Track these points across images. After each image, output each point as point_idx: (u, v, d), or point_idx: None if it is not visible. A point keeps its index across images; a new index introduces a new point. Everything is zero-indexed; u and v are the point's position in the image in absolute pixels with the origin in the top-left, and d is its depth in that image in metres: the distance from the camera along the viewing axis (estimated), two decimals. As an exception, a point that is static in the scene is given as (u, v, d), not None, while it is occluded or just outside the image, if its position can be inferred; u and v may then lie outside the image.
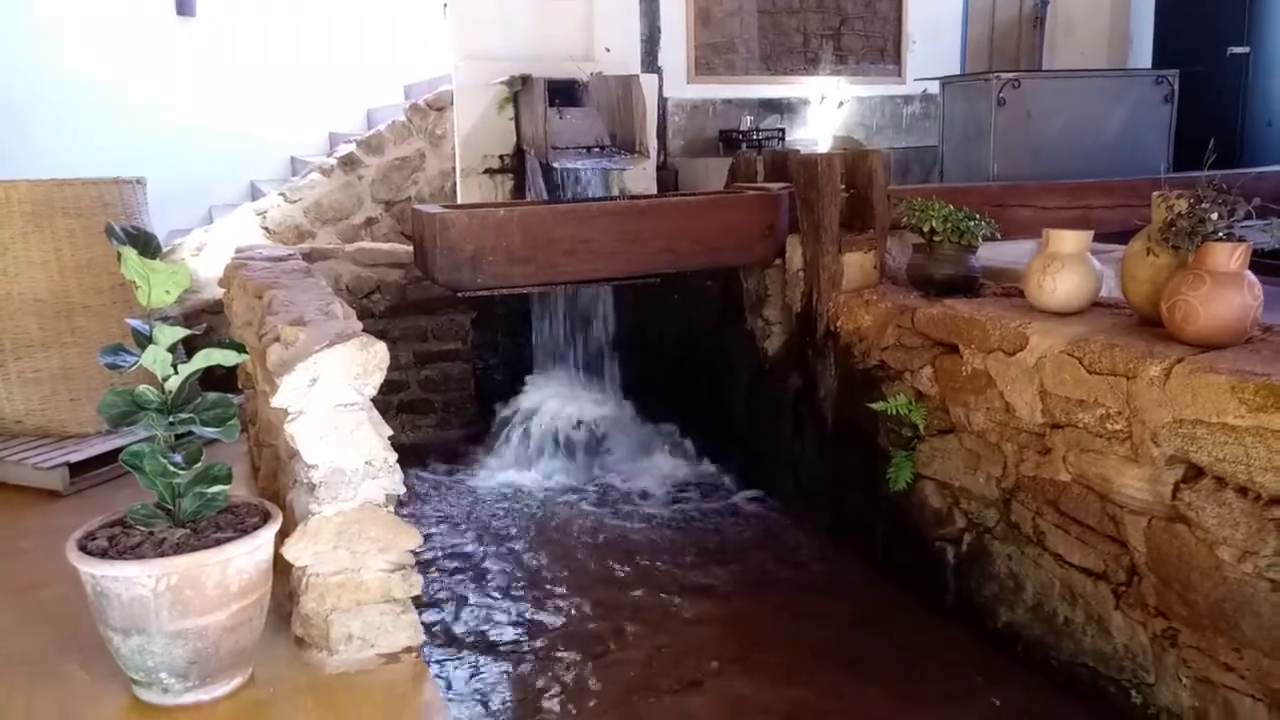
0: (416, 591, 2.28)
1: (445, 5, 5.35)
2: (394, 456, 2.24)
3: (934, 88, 6.10)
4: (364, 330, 2.31)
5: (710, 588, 3.51)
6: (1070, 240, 2.94)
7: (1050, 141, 5.20)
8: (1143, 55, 6.87)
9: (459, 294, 3.99)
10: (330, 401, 2.17)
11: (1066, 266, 2.91)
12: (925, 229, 3.40)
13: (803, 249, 3.92)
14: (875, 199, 3.78)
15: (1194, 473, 2.36)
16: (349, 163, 5.82)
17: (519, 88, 5.08)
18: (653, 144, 5.12)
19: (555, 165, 4.69)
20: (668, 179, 5.75)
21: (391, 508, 2.26)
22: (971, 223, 3.36)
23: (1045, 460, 2.82)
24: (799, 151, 4.32)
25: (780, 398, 4.16)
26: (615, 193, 4.97)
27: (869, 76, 6.57)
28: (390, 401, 5.03)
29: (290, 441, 2.15)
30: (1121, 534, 2.59)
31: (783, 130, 6.04)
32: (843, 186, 3.82)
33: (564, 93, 4.91)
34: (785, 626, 3.23)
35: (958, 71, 6.54)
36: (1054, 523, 2.82)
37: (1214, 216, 2.47)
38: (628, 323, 5.16)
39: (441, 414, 5.31)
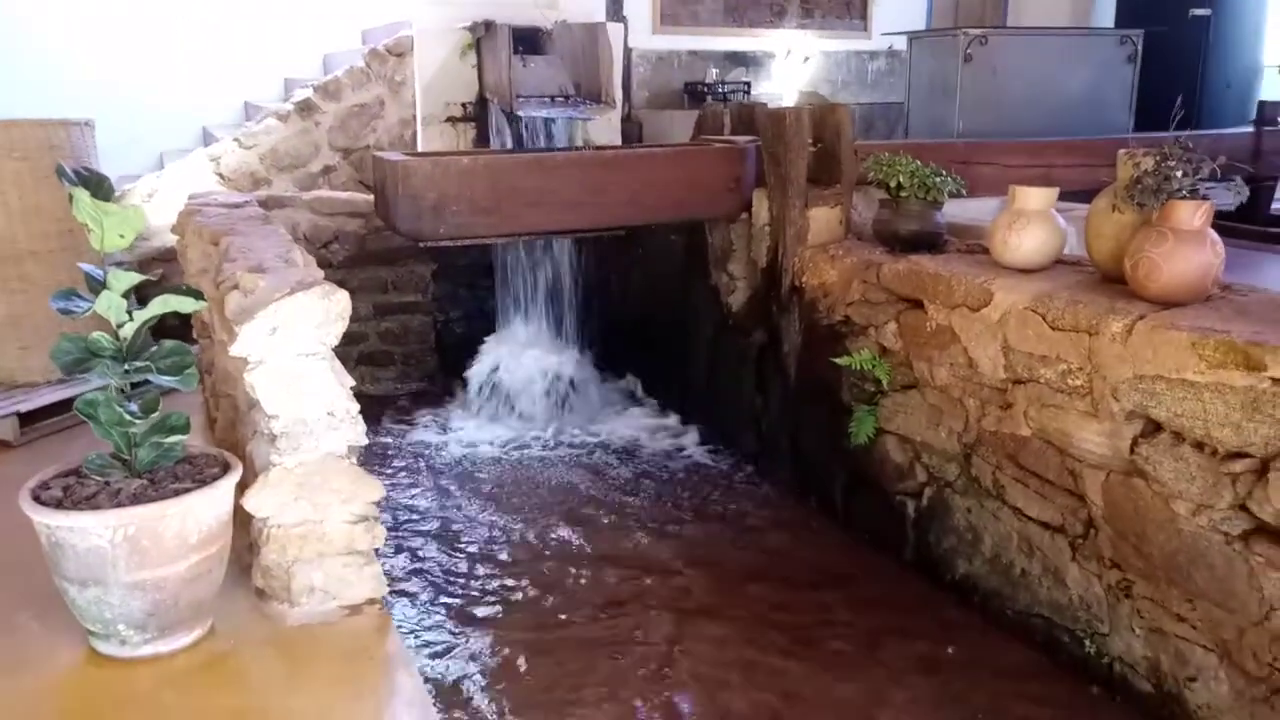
0: (380, 543, 2.26)
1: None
2: (356, 407, 2.20)
3: (900, 43, 6.07)
4: (324, 279, 2.26)
5: (669, 542, 3.53)
6: (1036, 197, 2.94)
7: (1015, 99, 5.20)
8: (1105, 17, 6.88)
9: (420, 244, 3.93)
10: (291, 350, 2.13)
11: (1032, 223, 2.92)
12: (892, 184, 3.39)
13: (769, 203, 3.90)
14: (842, 154, 3.76)
15: (1152, 428, 2.40)
16: (306, 108, 5.68)
17: (482, 34, 4.96)
18: (618, 94, 5.04)
19: (519, 114, 4.61)
20: (632, 131, 5.68)
21: (354, 459, 2.23)
22: (938, 179, 3.35)
23: (1006, 415, 2.85)
24: (766, 105, 4.28)
25: (744, 353, 4.16)
26: (580, 143, 4.89)
27: (835, 31, 6.52)
28: (349, 354, 4.96)
29: (250, 391, 2.11)
30: (1080, 488, 2.63)
31: (748, 84, 5.98)
32: (810, 141, 3.79)
33: (528, 40, 4.81)
34: (744, 580, 3.25)
35: (923, 28, 6.50)
36: (1013, 476, 2.86)
37: (1179, 174, 2.49)
38: (591, 276, 5.12)
39: (402, 367, 5.25)
